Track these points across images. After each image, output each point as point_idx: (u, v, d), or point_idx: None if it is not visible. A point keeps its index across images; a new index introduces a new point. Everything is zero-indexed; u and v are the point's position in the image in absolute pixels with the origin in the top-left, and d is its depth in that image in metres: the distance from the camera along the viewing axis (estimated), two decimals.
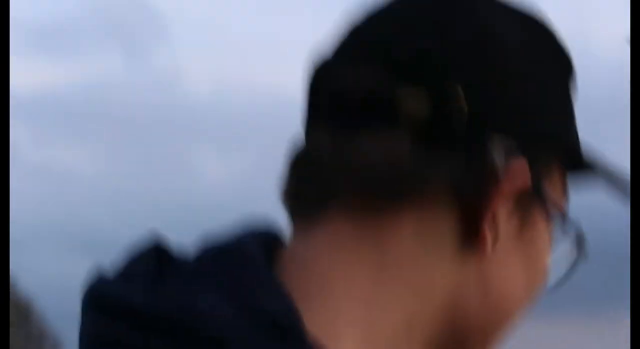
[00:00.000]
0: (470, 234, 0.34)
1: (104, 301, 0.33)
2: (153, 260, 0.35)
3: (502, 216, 0.35)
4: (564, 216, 0.37)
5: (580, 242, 0.37)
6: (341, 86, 0.36)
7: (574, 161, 0.38)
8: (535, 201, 0.36)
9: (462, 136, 0.34)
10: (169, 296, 0.32)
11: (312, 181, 0.36)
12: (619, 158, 0.41)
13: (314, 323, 0.31)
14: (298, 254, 0.36)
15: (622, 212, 0.39)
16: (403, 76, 0.34)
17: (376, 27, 0.37)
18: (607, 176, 0.38)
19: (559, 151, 0.38)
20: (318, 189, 0.36)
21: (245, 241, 0.35)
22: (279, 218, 0.38)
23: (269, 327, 0.30)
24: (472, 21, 0.36)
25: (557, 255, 0.38)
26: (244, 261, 0.34)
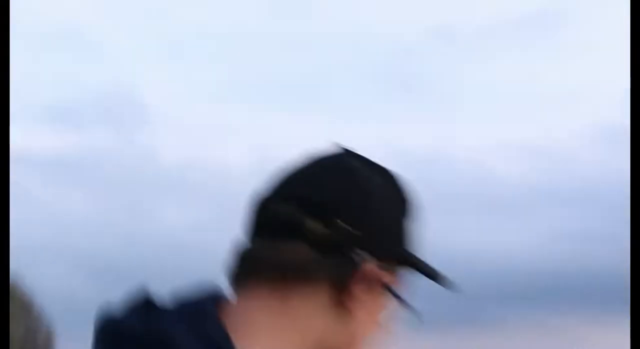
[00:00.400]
0: (338, 303, 0.60)
1: (109, 321, 0.58)
2: (145, 301, 0.59)
3: (358, 294, 0.60)
4: (397, 294, 0.62)
5: (405, 305, 0.63)
6: (272, 215, 0.61)
7: (408, 263, 0.64)
8: (380, 285, 0.61)
9: (339, 248, 0.59)
10: (155, 326, 0.56)
11: (248, 266, 0.61)
12: None
13: (240, 345, 0.56)
14: (235, 307, 0.61)
15: None
16: (309, 213, 0.59)
17: (294, 181, 0.63)
18: (421, 269, 0.64)
19: (398, 257, 0.63)
20: (250, 271, 0.61)
21: (204, 297, 0.60)
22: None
23: (213, 346, 0.55)
24: (349, 181, 0.62)
25: (390, 312, 0.63)
26: (204, 311, 0.59)
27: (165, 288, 0.61)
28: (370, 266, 0.59)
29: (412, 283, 0.64)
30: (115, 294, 0.60)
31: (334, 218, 0.59)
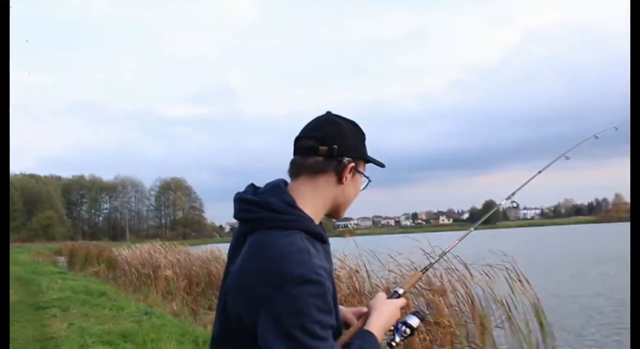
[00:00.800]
0: (339, 182, 1.37)
1: (240, 197, 1.36)
2: (253, 187, 1.38)
3: (348, 176, 1.37)
4: (365, 175, 1.43)
5: (368, 180, 1.43)
6: (303, 144, 1.37)
7: (367, 160, 1.42)
8: (357, 171, 1.39)
9: (336, 158, 1.35)
10: (259, 197, 1.33)
11: (295, 167, 1.38)
12: None
13: (298, 204, 1.33)
14: (292, 186, 1.38)
15: None
16: (320, 143, 1.35)
17: (311, 129, 1.38)
18: (374, 162, 1.43)
19: (362, 158, 1.41)
20: (297, 170, 1.38)
21: (279, 182, 1.39)
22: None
23: (289, 204, 1.32)
24: (336, 127, 1.37)
25: (363, 185, 1.43)
26: (280, 188, 1.36)
27: (262, 182, 1.37)
28: (351, 163, 1.36)
29: (371, 169, 1.41)
30: (239, 187, 1.37)
31: (332, 145, 1.34)
